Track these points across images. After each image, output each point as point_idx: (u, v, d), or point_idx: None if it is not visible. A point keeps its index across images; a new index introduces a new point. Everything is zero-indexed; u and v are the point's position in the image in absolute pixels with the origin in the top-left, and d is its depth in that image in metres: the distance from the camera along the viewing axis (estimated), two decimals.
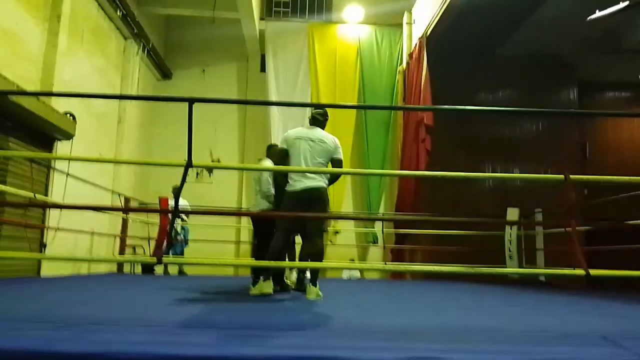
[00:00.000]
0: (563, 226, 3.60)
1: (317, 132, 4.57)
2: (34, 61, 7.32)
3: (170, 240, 8.77)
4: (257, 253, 5.40)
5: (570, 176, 3.15)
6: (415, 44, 11.03)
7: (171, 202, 8.66)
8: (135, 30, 10.51)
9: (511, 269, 7.34)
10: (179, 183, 3.15)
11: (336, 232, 10.80)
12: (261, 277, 4.46)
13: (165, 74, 12.66)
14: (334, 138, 4.59)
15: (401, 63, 12.07)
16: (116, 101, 10.38)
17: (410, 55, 11.39)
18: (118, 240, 9.45)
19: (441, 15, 9.59)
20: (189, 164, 2.94)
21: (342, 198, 11.56)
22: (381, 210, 11.73)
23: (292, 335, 2.37)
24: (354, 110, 11.74)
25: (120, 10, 9.73)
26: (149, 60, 11.68)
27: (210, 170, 12.35)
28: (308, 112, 12.16)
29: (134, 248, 10.16)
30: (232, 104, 12.76)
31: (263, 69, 12.57)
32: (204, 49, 12.90)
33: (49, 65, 7.50)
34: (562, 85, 11.88)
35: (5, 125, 6.39)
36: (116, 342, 1.92)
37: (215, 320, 2.90)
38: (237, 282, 6.74)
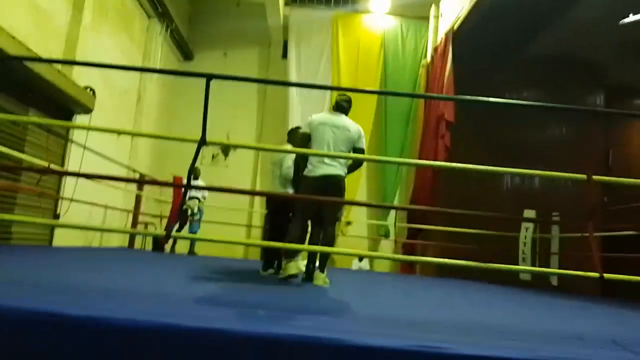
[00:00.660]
0: (581, 229, 3.51)
1: (342, 119, 4.49)
2: (58, 35, 7.37)
3: (184, 219, 8.80)
4: (269, 238, 5.38)
5: (593, 177, 3.06)
6: (441, 39, 10.87)
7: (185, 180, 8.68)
8: (160, 10, 10.53)
9: (523, 267, 7.24)
10: (195, 164, 3.12)
11: (348, 223, 10.76)
12: (283, 260, 4.42)
13: (187, 55, 12.70)
14: (358, 127, 4.51)
15: (425, 57, 11.92)
16: (137, 79, 10.42)
17: (435, 49, 11.24)
18: (131, 216, 9.52)
19: (470, 10, 9.43)
20: (202, 141, 2.91)
21: (356, 188, 11.50)
22: (396, 203, 11.66)
23: (298, 317, 2.35)
24: (374, 102, 11.65)
25: None
26: (171, 41, 11.72)
27: (226, 153, 12.36)
28: (328, 100, 12.22)
29: (146, 225, 10.24)
30: (252, 91, 12.75)
31: (285, 55, 12.53)
32: (226, 33, 12.89)
33: (72, 40, 7.55)
34: (589, 90, 11.63)
35: (25, 96, 6.44)
36: (124, 309, 1.92)
37: (220, 297, 2.88)
38: (247, 265, 6.76)
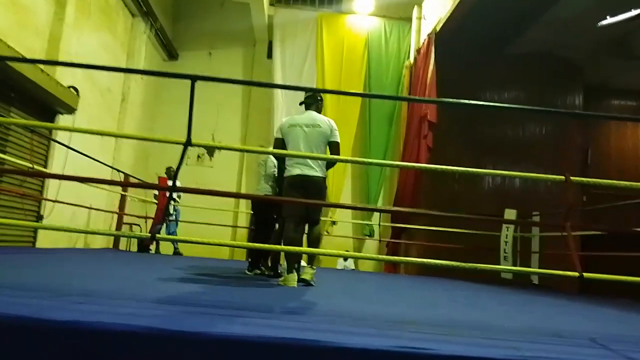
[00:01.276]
0: (560, 227, 3.59)
1: (312, 116, 4.47)
2: (41, 33, 7.28)
3: (165, 220, 8.80)
4: (254, 238, 5.41)
5: (571, 177, 3.13)
6: (424, 40, 10.98)
7: (171, 182, 8.68)
8: (144, 9, 10.46)
9: (505, 267, 7.35)
10: (177, 164, 3.12)
11: (333, 223, 10.81)
12: (285, 269, 4.44)
13: (171, 54, 12.62)
14: (329, 120, 4.48)
15: (408, 58, 12.02)
16: (121, 78, 10.34)
17: (418, 50, 11.34)
18: (115, 217, 9.46)
19: (452, 12, 9.53)
20: (188, 142, 2.91)
21: (341, 189, 11.57)
22: (380, 204, 11.74)
23: (282, 317, 2.37)
24: (358, 102, 11.72)
25: None
26: (156, 40, 11.64)
27: (211, 153, 12.33)
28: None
29: (130, 226, 10.18)
30: (237, 90, 12.72)
31: (270, 55, 12.53)
32: (211, 32, 12.85)
33: (55, 38, 7.47)
34: (568, 89, 11.85)
35: (7, 96, 6.37)
36: (104, 313, 1.92)
37: (206, 299, 2.90)
38: (232, 265, 6.76)
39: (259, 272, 5.22)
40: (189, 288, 3.44)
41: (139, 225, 10.36)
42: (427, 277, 9.07)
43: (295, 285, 4.16)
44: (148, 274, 4.60)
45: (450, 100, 3.31)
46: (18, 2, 6.65)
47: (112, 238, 9.57)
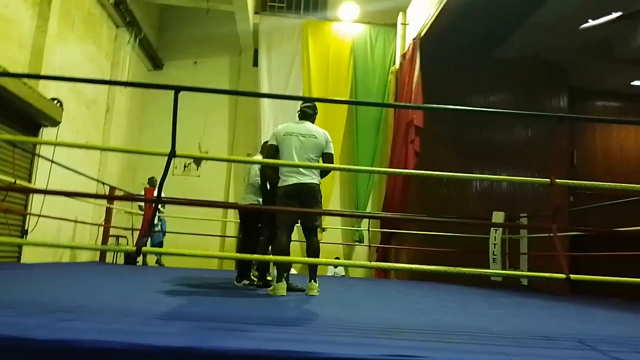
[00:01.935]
0: (547, 229, 3.61)
1: (308, 126, 4.50)
2: (23, 45, 7.22)
3: (149, 232, 8.74)
4: (242, 248, 5.38)
5: (556, 180, 3.16)
6: (409, 45, 11.04)
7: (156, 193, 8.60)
8: (128, 19, 10.42)
9: (493, 270, 7.37)
10: (160, 175, 3.08)
11: (323, 229, 10.80)
12: (274, 279, 4.43)
13: (156, 64, 12.57)
14: (324, 132, 4.52)
15: (394, 63, 12.08)
16: (105, 89, 10.28)
17: (404, 56, 11.41)
18: (102, 230, 9.37)
19: (436, 18, 9.60)
20: (172, 154, 2.89)
21: (330, 195, 11.56)
22: (369, 209, 11.75)
23: (272, 329, 2.35)
24: (345, 109, 11.75)
25: None
26: (140, 50, 11.59)
27: (198, 163, 12.28)
28: (299, 108, 12.24)
29: (117, 238, 10.08)
30: (223, 98, 12.70)
31: (256, 63, 12.53)
32: (196, 41, 12.83)
33: (38, 50, 7.41)
34: (554, 91, 11.97)
35: None
36: (91, 330, 1.89)
37: (195, 312, 2.87)
38: (221, 275, 6.71)
39: (247, 282, 5.18)
40: (177, 301, 3.40)
41: (125, 237, 10.27)
42: (418, 281, 9.07)
43: (285, 294, 4.17)
44: (135, 288, 4.55)
45: (436, 106, 3.33)
46: (0, 14, 6.59)
47: (99, 251, 9.48)
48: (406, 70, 10.88)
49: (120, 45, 10.67)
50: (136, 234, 9.78)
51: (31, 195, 7.25)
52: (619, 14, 7.86)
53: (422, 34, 10.40)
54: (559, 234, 3.21)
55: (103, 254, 9.47)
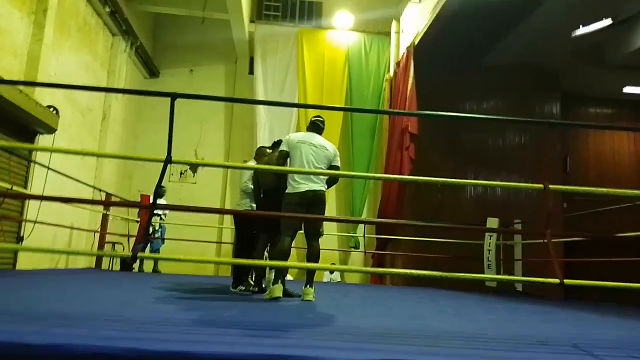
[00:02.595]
0: (541, 235, 3.64)
1: (319, 138, 4.65)
2: (19, 54, 7.23)
3: (147, 238, 8.72)
4: (238, 254, 5.39)
5: (549, 185, 3.19)
6: (403, 53, 11.12)
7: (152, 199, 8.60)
8: (124, 27, 10.45)
9: (488, 275, 7.40)
10: (162, 182, 3.12)
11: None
12: (271, 282, 4.47)
13: (152, 72, 12.59)
14: (333, 146, 4.70)
15: (388, 71, 12.15)
16: (101, 97, 10.29)
17: (398, 63, 11.48)
18: (98, 236, 9.35)
19: (429, 26, 9.68)
20: (168, 160, 2.92)
21: (326, 201, 11.55)
22: (364, 215, 11.77)
23: (268, 334, 2.37)
24: (340, 116, 11.79)
25: (109, 7, 9.68)
26: (136, 58, 11.62)
27: (194, 170, 12.28)
28: (294, 116, 12.36)
29: (113, 245, 10.06)
30: (219, 106, 12.72)
31: (251, 71, 12.56)
32: (192, 49, 12.86)
33: (34, 58, 7.42)
34: (546, 97, 12.02)
35: None
36: (86, 335, 1.90)
37: (191, 317, 2.88)
38: (217, 282, 6.71)
39: (243, 288, 5.19)
40: (173, 307, 3.41)
41: (121, 243, 10.25)
42: (414, 287, 9.09)
43: (281, 295, 4.27)
44: (131, 294, 4.55)
45: (430, 112, 3.37)
46: None
47: (95, 257, 9.45)
48: (400, 78, 10.95)
49: (116, 53, 10.69)
50: (132, 240, 9.76)
51: (27, 202, 7.24)
52: (609, 21, 7.95)
53: (416, 42, 10.47)
54: (553, 240, 3.24)
55: (99, 261, 9.44)
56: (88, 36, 9.51)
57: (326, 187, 4.56)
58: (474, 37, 9.95)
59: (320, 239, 4.65)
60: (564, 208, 10.23)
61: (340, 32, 12.57)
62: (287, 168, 4.51)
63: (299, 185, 4.41)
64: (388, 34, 12.27)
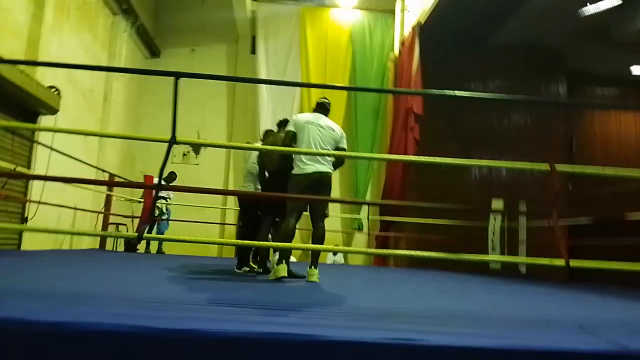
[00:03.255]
0: (546, 217, 3.62)
1: (326, 119, 4.62)
2: (19, 35, 7.16)
3: (153, 219, 8.74)
4: (242, 235, 5.40)
5: (556, 165, 3.15)
6: (408, 32, 10.97)
7: (156, 180, 8.61)
8: (124, 7, 10.33)
9: (492, 257, 7.39)
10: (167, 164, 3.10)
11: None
12: (275, 262, 4.48)
13: (153, 52, 12.49)
14: (340, 128, 4.67)
15: (393, 50, 12.02)
16: (102, 78, 10.22)
17: (403, 43, 11.34)
18: (101, 217, 9.37)
19: (436, 5, 9.53)
20: (172, 140, 2.89)
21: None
22: (368, 197, 11.75)
23: (273, 313, 2.36)
24: (344, 96, 11.69)
25: None
26: (137, 38, 11.51)
27: (197, 151, 12.26)
28: (297, 95, 12.26)
29: (117, 226, 10.09)
30: (221, 88, 12.63)
31: (253, 51, 12.45)
32: (194, 29, 12.73)
33: (34, 39, 7.35)
34: (552, 77, 11.89)
35: None
36: (94, 314, 1.90)
37: (196, 297, 2.88)
38: (221, 263, 6.74)
39: (247, 269, 5.20)
40: (179, 287, 3.42)
41: (125, 224, 10.28)
42: (417, 269, 9.11)
43: (285, 275, 4.28)
44: (136, 274, 4.56)
45: (436, 91, 3.31)
46: None
47: (99, 238, 9.49)
48: (405, 58, 10.82)
49: (116, 33, 10.58)
50: (136, 221, 9.79)
51: (31, 183, 7.25)
52: (619, 1, 7.82)
53: (422, 21, 10.33)
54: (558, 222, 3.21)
55: (103, 242, 9.48)
56: (88, 16, 9.41)
57: (332, 169, 4.54)
58: (480, 17, 9.82)
59: (324, 221, 4.63)
60: (569, 190, 10.18)
61: (344, 10, 12.41)
62: (292, 149, 4.47)
63: (306, 166, 4.38)
64: (392, 12, 12.11)
